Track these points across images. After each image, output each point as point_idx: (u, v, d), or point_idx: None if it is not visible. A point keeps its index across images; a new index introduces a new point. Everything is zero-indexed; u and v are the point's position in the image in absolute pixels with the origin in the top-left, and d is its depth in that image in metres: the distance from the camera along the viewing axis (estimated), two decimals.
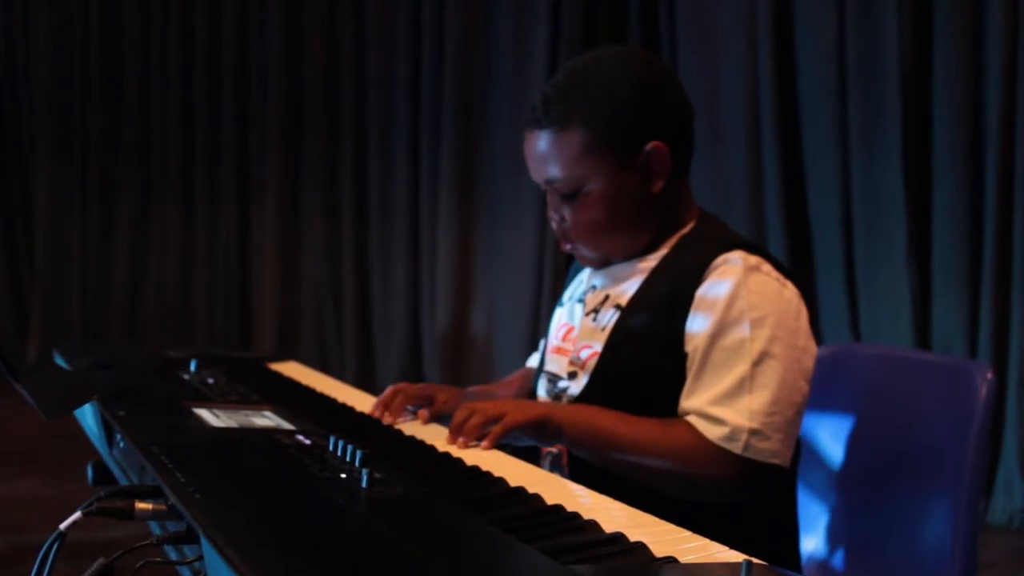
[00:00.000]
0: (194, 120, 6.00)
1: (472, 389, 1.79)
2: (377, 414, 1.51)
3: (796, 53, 4.34)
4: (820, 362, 1.46)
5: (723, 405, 1.35)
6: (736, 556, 0.83)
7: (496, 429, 1.31)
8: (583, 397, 1.50)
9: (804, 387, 1.40)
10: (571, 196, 1.49)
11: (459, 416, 1.34)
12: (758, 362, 1.36)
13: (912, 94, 3.99)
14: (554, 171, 1.48)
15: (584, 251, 1.56)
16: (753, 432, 1.33)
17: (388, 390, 1.55)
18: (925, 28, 4.00)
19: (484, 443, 1.30)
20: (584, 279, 1.64)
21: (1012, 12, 3.76)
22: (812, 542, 1.66)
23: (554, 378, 1.58)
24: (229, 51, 5.93)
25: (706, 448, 1.34)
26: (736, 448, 1.33)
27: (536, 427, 1.35)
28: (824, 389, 1.51)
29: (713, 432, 1.34)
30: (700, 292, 1.41)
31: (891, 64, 3.99)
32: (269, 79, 5.88)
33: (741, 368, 1.36)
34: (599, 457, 1.39)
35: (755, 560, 0.75)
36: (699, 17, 4.65)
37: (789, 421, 1.37)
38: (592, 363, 1.50)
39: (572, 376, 1.54)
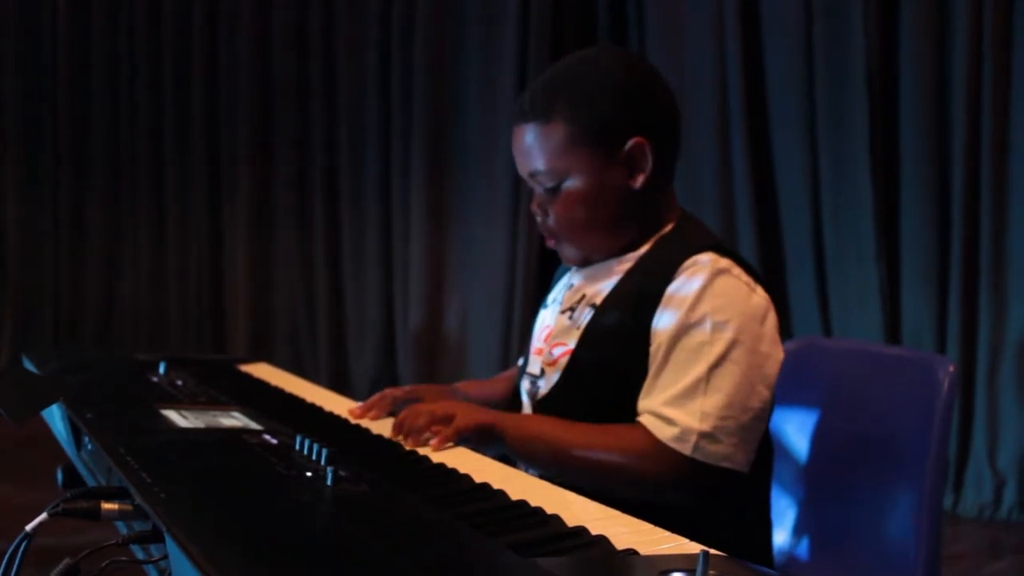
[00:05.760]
0: (164, 120, 5.95)
1: (459, 385, 1.79)
2: (358, 414, 1.52)
3: (764, 49, 4.36)
4: (787, 356, 1.47)
5: (676, 406, 1.35)
6: (696, 548, 0.84)
7: (447, 432, 1.31)
8: (553, 394, 1.51)
9: (764, 393, 1.39)
10: (554, 190, 1.50)
11: (401, 417, 1.35)
12: (716, 365, 1.36)
13: (879, 90, 4.02)
14: (537, 163, 1.50)
15: (567, 248, 1.57)
16: (703, 435, 1.34)
17: (375, 396, 1.57)
18: (891, 22, 4.03)
19: (433, 442, 1.30)
20: (566, 280, 1.65)
21: (976, 6, 3.80)
22: (780, 534, 1.68)
23: (533, 378, 1.59)
24: (198, 48, 5.89)
25: (655, 447, 1.35)
26: (685, 449, 1.34)
27: (481, 433, 1.36)
28: (790, 383, 1.52)
29: (664, 432, 1.35)
30: (669, 291, 1.42)
31: (858, 59, 4.02)
32: (239, 79, 5.85)
33: (698, 370, 1.36)
34: (543, 463, 1.39)
35: (713, 551, 0.76)
36: (667, 14, 4.66)
37: (744, 426, 1.36)
38: (564, 361, 1.50)
39: (544, 375, 1.55)
